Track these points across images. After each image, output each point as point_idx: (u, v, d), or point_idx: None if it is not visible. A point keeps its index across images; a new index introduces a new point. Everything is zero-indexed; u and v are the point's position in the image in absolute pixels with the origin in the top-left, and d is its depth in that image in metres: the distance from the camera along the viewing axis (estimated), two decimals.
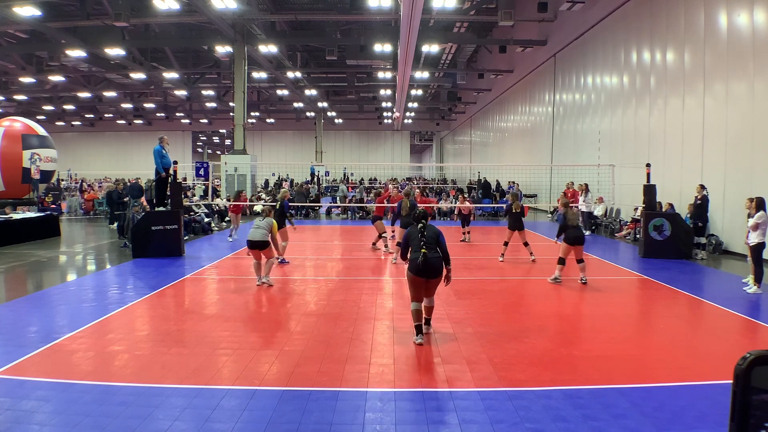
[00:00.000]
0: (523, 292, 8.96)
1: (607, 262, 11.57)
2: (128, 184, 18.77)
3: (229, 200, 21.39)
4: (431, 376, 4.93)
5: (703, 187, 12.14)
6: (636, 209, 14.68)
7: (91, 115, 50.19)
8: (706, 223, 12.28)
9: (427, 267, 5.65)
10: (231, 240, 14.29)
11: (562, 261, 8.98)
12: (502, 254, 11.40)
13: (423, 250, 5.62)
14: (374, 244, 13.06)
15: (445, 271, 5.87)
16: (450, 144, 58.53)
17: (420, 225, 5.90)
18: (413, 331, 5.88)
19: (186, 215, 14.77)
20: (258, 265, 8.68)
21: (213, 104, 41.88)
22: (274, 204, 9.15)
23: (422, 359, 5.36)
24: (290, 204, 13.01)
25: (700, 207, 12.15)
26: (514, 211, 11.40)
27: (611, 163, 15.10)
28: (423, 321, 5.96)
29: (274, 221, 8.70)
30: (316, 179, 33.87)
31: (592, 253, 12.80)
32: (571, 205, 9.73)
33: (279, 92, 38.96)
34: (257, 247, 8.45)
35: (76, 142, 52.44)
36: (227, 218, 19.76)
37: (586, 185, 16.39)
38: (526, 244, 11.39)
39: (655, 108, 15.23)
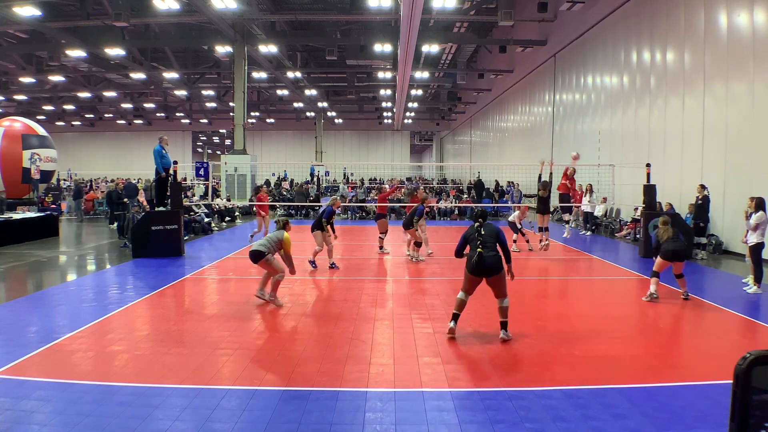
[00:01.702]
0: (523, 292, 8.95)
1: (607, 262, 11.57)
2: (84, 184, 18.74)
3: (229, 200, 21.41)
4: (431, 376, 4.92)
5: (703, 187, 12.14)
6: (636, 209, 14.67)
7: (91, 115, 50.17)
8: (707, 223, 12.28)
9: (481, 266, 5.58)
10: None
11: (655, 274, 8.08)
12: (541, 240, 11.76)
13: (479, 249, 5.55)
14: (381, 248, 12.60)
15: (506, 267, 5.79)
16: (450, 144, 58.50)
17: (477, 224, 5.82)
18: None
19: (186, 215, 14.77)
20: (266, 276, 7.88)
21: (213, 104, 41.86)
22: (287, 218, 8.42)
23: (422, 359, 5.36)
24: (291, 204, 12.91)
25: (701, 207, 12.15)
26: (541, 196, 12.00)
27: (611, 163, 15.10)
28: (461, 311, 5.93)
29: (287, 235, 7.76)
30: (315, 179, 33.85)
31: (593, 253, 12.83)
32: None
33: (279, 92, 38.93)
34: (251, 257, 7.68)
35: (76, 142, 52.39)
36: (227, 218, 19.81)
37: (590, 186, 16.37)
38: (546, 229, 11.83)
39: (655, 108, 15.23)
